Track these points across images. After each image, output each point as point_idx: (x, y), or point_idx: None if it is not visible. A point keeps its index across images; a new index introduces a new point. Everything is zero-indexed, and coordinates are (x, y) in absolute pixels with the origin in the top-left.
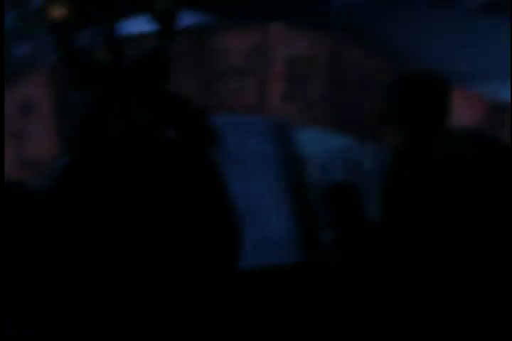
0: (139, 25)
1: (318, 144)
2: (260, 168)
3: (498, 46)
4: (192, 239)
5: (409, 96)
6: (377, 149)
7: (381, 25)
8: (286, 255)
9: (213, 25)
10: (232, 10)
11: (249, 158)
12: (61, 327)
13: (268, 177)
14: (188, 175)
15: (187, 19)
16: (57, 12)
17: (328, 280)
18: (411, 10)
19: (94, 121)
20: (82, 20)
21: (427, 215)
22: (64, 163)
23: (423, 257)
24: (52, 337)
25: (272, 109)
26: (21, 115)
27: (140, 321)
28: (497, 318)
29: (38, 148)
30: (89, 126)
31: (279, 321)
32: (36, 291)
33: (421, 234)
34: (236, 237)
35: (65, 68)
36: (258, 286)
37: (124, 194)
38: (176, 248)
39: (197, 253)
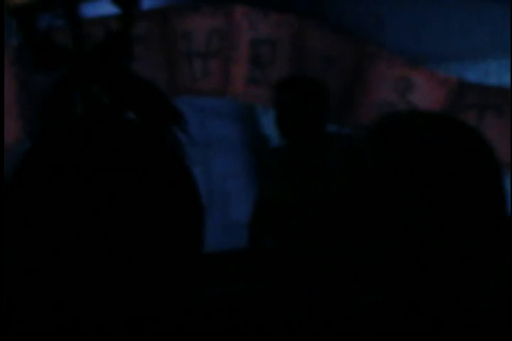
0: (100, 8)
1: None
2: (225, 151)
3: (465, 26)
4: (155, 222)
5: (284, 99)
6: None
7: (345, 6)
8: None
9: (176, 7)
10: None
11: (214, 141)
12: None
13: (233, 159)
14: (149, 157)
15: (150, 1)
16: None
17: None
18: None
19: (56, 104)
20: (43, 2)
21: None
22: (26, 148)
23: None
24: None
25: (236, 91)
26: None
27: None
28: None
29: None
30: (51, 109)
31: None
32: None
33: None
34: (199, 219)
35: (27, 51)
36: (222, 267)
37: (85, 180)
38: (140, 232)
39: (161, 235)
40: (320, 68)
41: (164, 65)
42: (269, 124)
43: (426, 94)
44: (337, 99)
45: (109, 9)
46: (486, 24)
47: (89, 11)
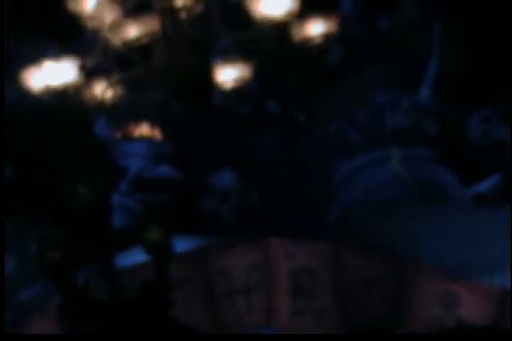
0: (135, 256)
1: None
2: None
3: (499, 236)
4: None
5: None
6: None
7: (377, 228)
8: None
9: (213, 246)
10: (228, 229)
11: None
12: None
13: None
14: None
15: (184, 244)
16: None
17: None
18: (405, 209)
19: None
20: (77, 259)
21: None
22: None
23: None
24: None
25: (281, 323)
26: None
27: None
28: None
29: None
30: None
31: None
32: None
33: None
34: None
35: (66, 307)
36: None
37: None
38: None
39: None
40: (363, 291)
41: (208, 303)
42: None
43: (472, 307)
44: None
45: (144, 257)
46: None
47: (124, 260)
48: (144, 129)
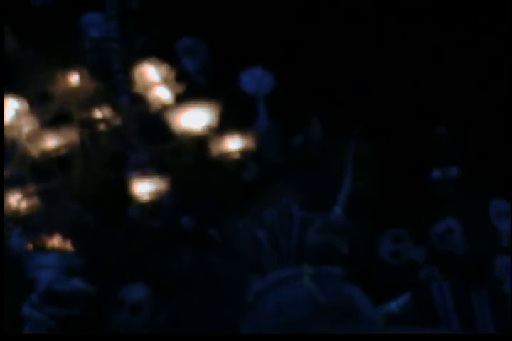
0: None
1: None
2: None
3: None
4: None
5: None
6: None
7: None
8: None
9: None
10: None
11: None
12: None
13: None
14: None
15: None
16: None
17: None
18: (315, 328)
19: None
20: None
21: None
22: None
23: None
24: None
25: None
26: None
27: None
28: None
29: None
30: None
31: None
32: None
33: None
34: None
35: None
36: None
37: None
38: None
39: None
40: None
41: None
42: None
43: None
44: None
45: None
46: None
47: None
48: (56, 241)
